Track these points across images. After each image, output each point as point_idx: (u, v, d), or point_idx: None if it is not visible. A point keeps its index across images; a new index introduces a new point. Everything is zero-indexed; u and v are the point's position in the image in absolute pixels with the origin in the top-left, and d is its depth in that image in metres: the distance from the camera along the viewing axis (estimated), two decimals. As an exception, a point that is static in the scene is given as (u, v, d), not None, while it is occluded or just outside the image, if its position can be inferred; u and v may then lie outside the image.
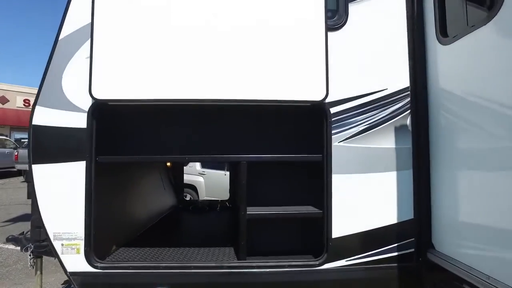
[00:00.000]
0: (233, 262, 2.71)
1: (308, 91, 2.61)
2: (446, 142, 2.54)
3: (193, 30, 2.55)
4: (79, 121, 2.54)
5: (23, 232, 2.93)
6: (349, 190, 2.67)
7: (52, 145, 2.55)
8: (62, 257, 2.56)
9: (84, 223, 2.54)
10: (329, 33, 2.64)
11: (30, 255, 2.76)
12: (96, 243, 2.61)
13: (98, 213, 2.63)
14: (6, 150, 17.04)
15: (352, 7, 2.71)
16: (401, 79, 2.74)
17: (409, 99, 2.73)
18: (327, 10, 2.62)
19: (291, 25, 2.60)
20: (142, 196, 4.22)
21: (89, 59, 2.49)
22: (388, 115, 2.72)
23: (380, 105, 2.72)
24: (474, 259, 2.21)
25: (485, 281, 2.03)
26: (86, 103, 2.53)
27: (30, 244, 2.73)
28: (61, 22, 2.57)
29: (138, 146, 2.88)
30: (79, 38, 2.55)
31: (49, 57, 2.53)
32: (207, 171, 9.81)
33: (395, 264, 2.66)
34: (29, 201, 2.64)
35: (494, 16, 2.01)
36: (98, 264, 2.58)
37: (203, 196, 9.44)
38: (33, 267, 2.88)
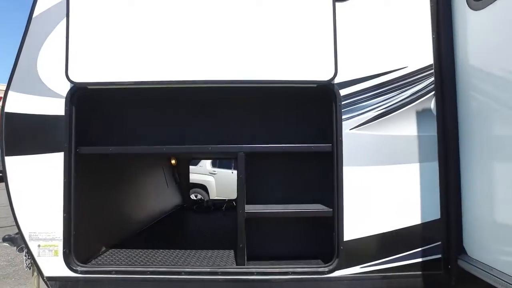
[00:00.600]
0: (230, 268, 2.38)
1: (313, 70, 2.26)
2: (479, 129, 2.14)
3: (183, 2, 2.25)
4: (56, 107, 2.28)
5: None
6: (363, 185, 2.30)
7: (27, 135, 2.30)
8: (38, 259, 2.31)
9: (63, 221, 2.27)
10: (337, 3, 2.28)
11: (25, 256, 2.53)
12: (77, 244, 2.34)
13: (80, 211, 2.36)
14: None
15: (363, -28, 2.34)
16: (423, 55, 2.35)
17: (433, 78, 2.34)
18: (334, -23, 2.27)
19: None
20: (139, 193, 3.96)
21: (65, 38, 2.22)
22: (408, 97, 2.33)
23: (399, 86, 2.33)
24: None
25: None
26: (63, 88, 2.27)
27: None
28: (35, -3, 2.31)
29: (124, 136, 2.61)
30: (55, 15, 2.29)
31: (22, 36, 2.28)
32: (218, 170, 9.66)
33: (419, 272, 2.27)
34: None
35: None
36: (78, 268, 2.31)
37: (214, 196, 9.27)
38: (30, 268, 2.65)
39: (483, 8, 2.03)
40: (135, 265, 2.47)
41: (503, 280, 1.83)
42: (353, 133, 2.30)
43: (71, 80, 2.23)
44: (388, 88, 2.34)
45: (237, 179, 2.38)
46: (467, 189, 2.22)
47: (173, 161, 5.59)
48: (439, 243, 2.28)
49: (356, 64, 2.32)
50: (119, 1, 2.26)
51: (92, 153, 2.42)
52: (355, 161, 2.31)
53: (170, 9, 2.25)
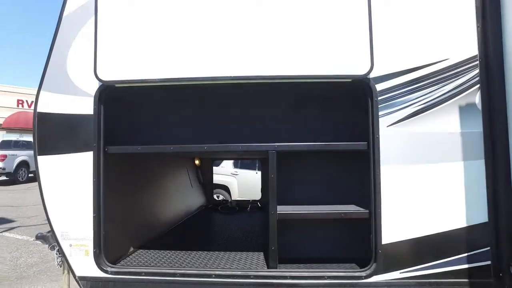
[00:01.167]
0: (262, 271, 2.29)
1: (348, 64, 2.15)
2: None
3: None
4: (86, 107, 2.26)
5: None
6: (402, 185, 2.16)
7: (58, 134, 2.30)
8: (70, 259, 2.30)
9: (93, 221, 2.25)
10: (374, -8, 2.16)
11: (57, 254, 2.54)
12: (107, 245, 2.32)
13: (109, 211, 2.33)
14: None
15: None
16: (467, 46, 2.19)
17: (478, 70, 2.17)
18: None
19: None
20: (165, 194, 3.94)
21: (93, 36, 2.20)
22: (450, 91, 2.18)
23: (440, 79, 2.18)
24: None
25: None
26: (92, 87, 2.26)
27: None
28: (65, -3, 2.31)
29: (152, 135, 2.58)
30: (84, 14, 2.28)
31: (53, 37, 2.29)
32: (240, 171, 9.63)
33: (465, 280, 2.11)
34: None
35: None
36: (109, 269, 2.28)
37: (236, 196, 9.23)
38: (60, 266, 2.67)
39: (537, -8, 1.86)
40: (164, 266, 2.42)
41: None
42: (391, 129, 2.17)
43: (100, 79, 2.22)
44: (428, 82, 2.19)
45: (268, 179, 2.29)
46: (518, 190, 2.05)
47: (196, 162, 5.57)
48: (487, 248, 2.11)
49: (393, 57, 2.19)
50: None
51: (121, 153, 2.39)
52: (392, 159, 2.17)
53: (198, 4, 2.20)
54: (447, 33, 2.20)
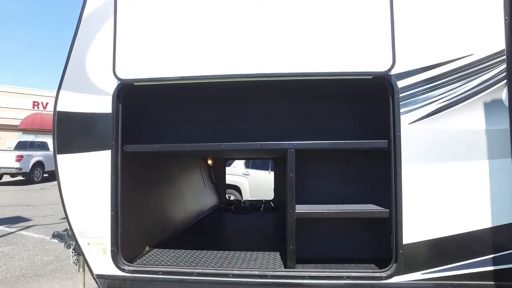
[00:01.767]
0: (280, 271, 2.26)
1: (368, 60, 2.10)
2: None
3: None
4: (104, 105, 2.27)
5: (67, 228, 2.77)
6: (424, 183, 2.10)
7: (77, 133, 2.31)
8: (88, 257, 2.31)
9: (110, 220, 2.26)
10: (395, -14, 2.11)
11: (72, 252, 2.56)
12: (124, 243, 2.32)
13: (126, 210, 2.34)
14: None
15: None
16: (492, 41, 2.11)
17: (504, 65, 2.09)
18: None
19: None
20: (179, 192, 3.94)
21: (112, 36, 2.21)
22: (475, 87, 2.11)
23: (464, 75, 2.12)
24: None
25: None
26: (110, 86, 2.26)
27: (72, 241, 2.52)
28: (85, -3, 2.33)
29: (168, 134, 2.57)
30: (104, 14, 2.29)
31: (73, 36, 2.30)
32: (251, 171, 9.62)
33: (491, 283, 2.04)
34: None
35: None
36: (126, 267, 2.28)
37: (247, 197, 9.21)
38: (76, 264, 2.69)
39: None
40: (181, 265, 2.41)
41: None
42: (413, 127, 2.12)
43: (118, 77, 2.22)
44: (451, 78, 2.13)
45: (287, 178, 2.26)
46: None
47: (209, 162, 5.57)
48: (515, 249, 2.03)
49: (415, 53, 2.13)
50: None
51: (138, 151, 2.39)
52: (414, 158, 2.12)
53: (217, 2, 2.18)
54: (472, 27, 2.13)
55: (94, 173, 2.28)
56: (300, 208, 2.27)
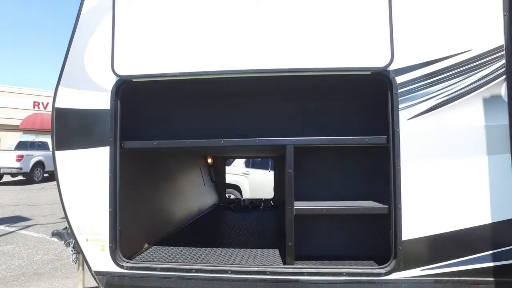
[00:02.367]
0: (279, 267, 2.26)
1: (367, 56, 2.10)
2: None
3: None
4: (102, 102, 2.27)
5: (66, 227, 2.77)
6: (423, 179, 2.10)
7: (75, 130, 2.31)
8: (86, 253, 2.30)
9: (109, 216, 2.25)
10: (393, -18, 2.10)
11: (72, 250, 2.56)
12: (123, 240, 2.32)
13: (124, 206, 2.33)
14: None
15: None
16: (491, 36, 2.11)
17: (503, 61, 2.09)
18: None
19: None
20: (179, 190, 3.94)
21: (111, 32, 2.21)
22: (473, 83, 2.11)
23: (463, 71, 2.12)
24: None
25: None
26: (109, 82, 2.26)
27: (71, 239, 2.52)
28: (84, -6, 2.33)
29: (167, 131, 2.57)
30: (102, 10, 2.29)
31: (72, 33, 2.30)
32: (251, 170, 9.61)
33: (490, 279, 2.03)
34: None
35: None
36: (124, 264, 2.28)
37: (247, 196, 9.20)
38: (75, 263, 2.69)
39: None
40: (180, 262, 2.41)
41: None
42: (411, 123, 2.11)
43: (117, 74, 2.22)
44: (450, 73, 2.12)
45: (285, 174, 2.25)
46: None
47: (209, 160, 5.57)
48: (515, 245, 2.03)
49: (414, 48, 2.13)
50: None
51: (137, 148, 2.39)
52: (413, 154, 2.11)
53: None
54: (470, 23, 2.13)
55: (92, 169, 2.28)
56: (299, 205, 2.26)
